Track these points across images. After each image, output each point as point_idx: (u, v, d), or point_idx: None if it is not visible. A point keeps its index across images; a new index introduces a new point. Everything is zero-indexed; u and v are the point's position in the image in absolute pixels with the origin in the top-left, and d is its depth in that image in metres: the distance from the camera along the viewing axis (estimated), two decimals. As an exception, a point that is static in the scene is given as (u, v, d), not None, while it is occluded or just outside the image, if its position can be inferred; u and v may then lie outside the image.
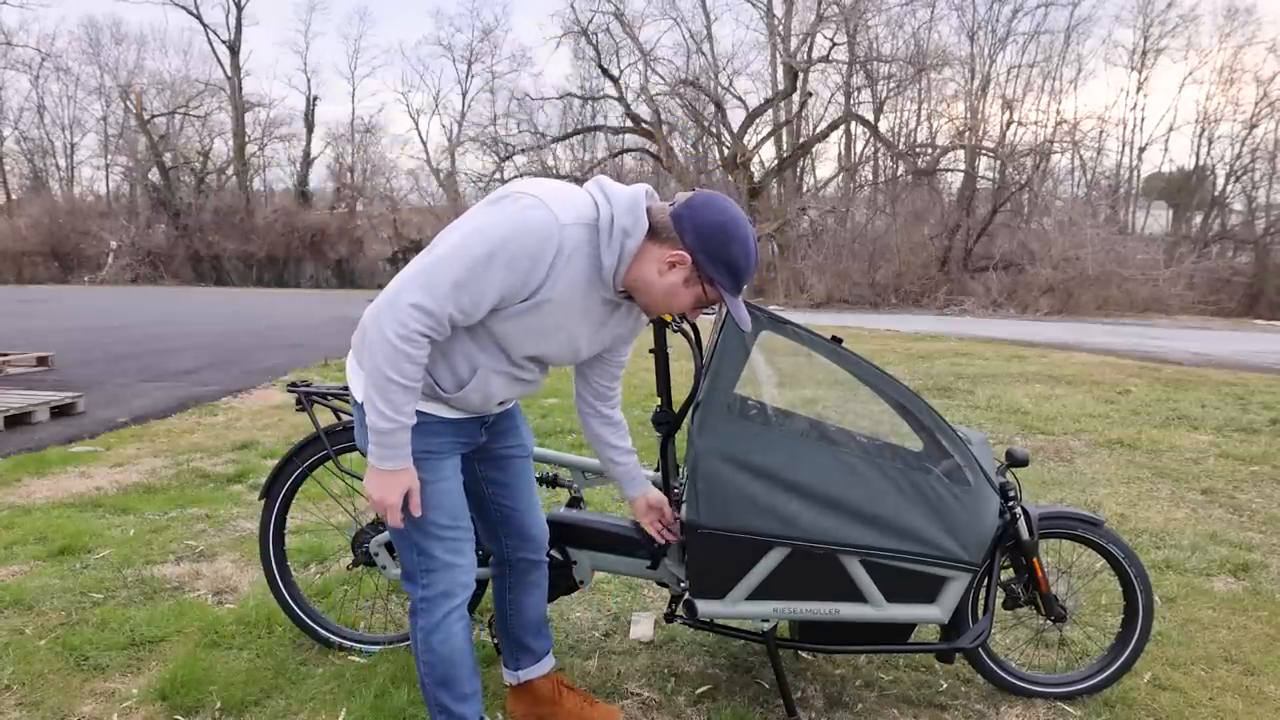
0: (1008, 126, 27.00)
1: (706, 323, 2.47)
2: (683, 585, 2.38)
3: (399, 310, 1.62)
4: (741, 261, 1.72)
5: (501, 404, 1.96)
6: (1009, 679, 2.46)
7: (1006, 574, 2.46)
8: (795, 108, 29.43)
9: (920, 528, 2.18)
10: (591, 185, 1.75)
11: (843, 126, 29.36)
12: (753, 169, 28.93)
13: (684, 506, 2.23)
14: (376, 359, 1.64)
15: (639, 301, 1.80)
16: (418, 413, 1.75)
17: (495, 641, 2.49)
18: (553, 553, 2.46)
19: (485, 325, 1.74)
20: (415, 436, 1.76)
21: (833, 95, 30.27)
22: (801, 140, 29.68)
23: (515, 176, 33.40)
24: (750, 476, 2.14)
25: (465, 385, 1.81)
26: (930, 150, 28.76)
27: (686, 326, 2.34)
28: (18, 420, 6.01)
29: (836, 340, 2.21)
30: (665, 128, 29.45)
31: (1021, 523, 2.35)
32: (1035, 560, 2.38)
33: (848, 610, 2.23)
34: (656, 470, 2.44)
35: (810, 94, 29.53)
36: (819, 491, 2.15)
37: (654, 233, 1.73)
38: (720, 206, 1.72)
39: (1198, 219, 32.26)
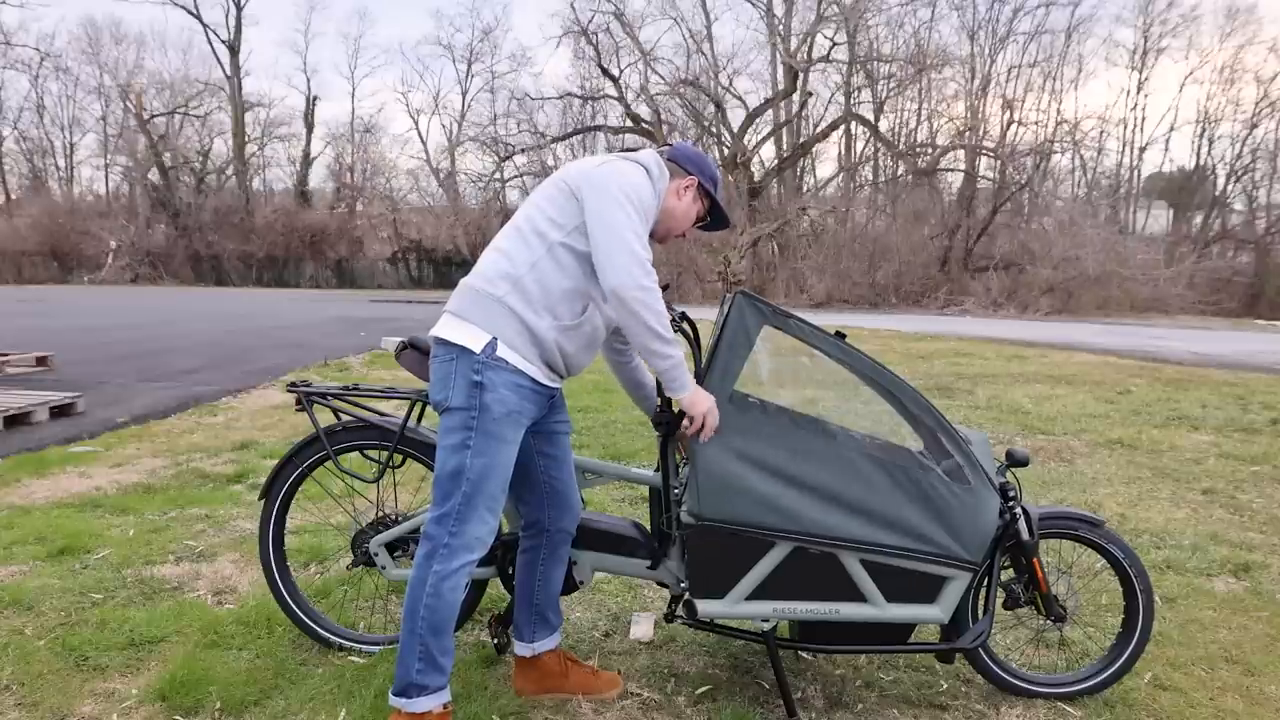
0: (1008, 126, 27.02)
1: (706, 324, 2.47)
2: (683, 585, 2.38)
3: (638, 263, 1.96)
4: (719, 174, 2.38)
5: (570, 374, 2.20)
6: (1009, 679, 2.45)
7: (1007, 574, 2.46)
8: (795, 108, 29.44)
9: (920, 525, 2.18)
10: (617, 156, 2.18)
11: (843, 126, 29.35)
12: (753, 169, 28.93)
13: (683, 506, 2.23)
14: (645, 311, 1.96)
15: (661, 229, 2.26)
16: (518, 372, 2.03)
17: (495, 642, 2.49)
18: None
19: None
20: (513, 396, 2.03)
21: (833, 95, 30.32)
22: (801, 140, 29.68)
23: (515, 176, 33.45)
24: (750, 469, 2.14)
25: (581, 315, 2.11)
26: (930, 150, 28.76)
27: (686, 326, 2.34)
28: (17, 420, 6.01)
29: (840, 335, 2.22)
30: (665, 128, 29.44)
31: (1021, 523, 2.35)
32: (1035, 560, 2.38)
33: (848, 610, 2.23)
34: (656, 470, 2.44)
35: (810, 94, 29.55)
36: (819, 486, 2.15)
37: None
38: (687, 146, 2.36)
39: (1198, 219, 32.27)
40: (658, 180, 2.18)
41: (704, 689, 2.48)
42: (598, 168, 2.09)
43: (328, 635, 2.66)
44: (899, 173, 29.69)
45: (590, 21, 29.64)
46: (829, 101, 30.62)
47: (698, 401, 2.09)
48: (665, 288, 2.25)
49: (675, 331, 2.28)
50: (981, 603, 2.37)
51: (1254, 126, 30.44)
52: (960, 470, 2.22)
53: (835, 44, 27.78)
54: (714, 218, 2.35)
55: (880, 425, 2.29)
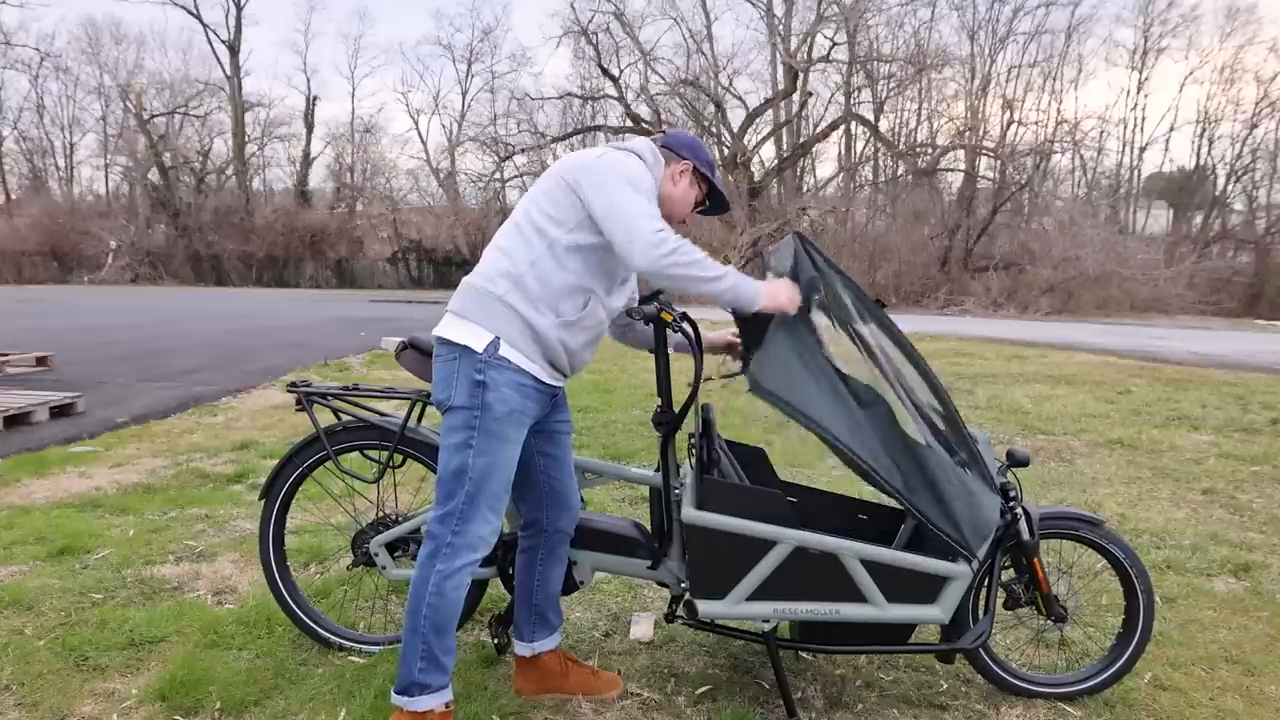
0: (1008, 126, 27.00)
1: (707, 325, 2.47)
2: (683, 585, 2.38)
3: (652, 241, 1.96)
4: (712, 158, 2.38)
5: (572, 371, 2.20)
6: (1010, 679, 2.45)
7: (1007, 574, 2.46)
8: (795, 108, 29.42)
9: (926, 494, 2.17)
10: (611, 146, 2.21)
11: (843, 126, 29.33)
12: (753, 169, 28.91)
13: (682, 506, 2.23)
14: (682, 270, 1.96)
15: (661, 215, 2.18)
16: (521, 371, 2.04)
17: (495, 642, 2.49)
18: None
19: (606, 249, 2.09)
20: (515, 395, 2.04)
21: (833, 95, 30.28)
22: (801, 140, 29.66)
23: (515, 176, 33.44)
24: (808, 365, 2.16)
25: (583, 310, 2.11)
26: (930, 150, 28.75)
27: (686, 326, 2.34)
28: (17, 420, 6.01)
29: (880, 304, 2.27)
30: (665, 127, 29.44)
31: (1022, 523, 2.35)
32: (1036, 560, 2.38)
33: (849, 610, 2.23)
34: (656, 470, 2.44)
35: (810, 94, 29.53)
36: (855, 415, 2.16)
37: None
38: (681, 133, 2.36)
39: (1198, 219, 32.25)
40: (653, 167, 2.21)
41: (704, 689, 2.48)
42: (595, 160, 2.09)
43: (328, 635, 2.66)
44: (899, 173, 29.68)
45: (590, 21, 29.64)
46: (829, 101, 30.63)
47: (777, 292, 2.12)
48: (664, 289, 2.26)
49: (675, 331, 2.29)
50: (982, 603, 2.37)
51: (1254, 126, 30.43)
52: (965, 462, 2.23)
53: (835, 44, 27.78)
54: (713, 201, 2.36)
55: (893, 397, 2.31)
